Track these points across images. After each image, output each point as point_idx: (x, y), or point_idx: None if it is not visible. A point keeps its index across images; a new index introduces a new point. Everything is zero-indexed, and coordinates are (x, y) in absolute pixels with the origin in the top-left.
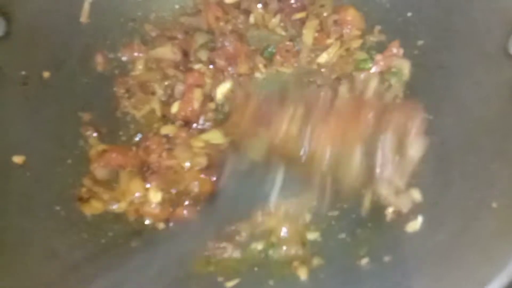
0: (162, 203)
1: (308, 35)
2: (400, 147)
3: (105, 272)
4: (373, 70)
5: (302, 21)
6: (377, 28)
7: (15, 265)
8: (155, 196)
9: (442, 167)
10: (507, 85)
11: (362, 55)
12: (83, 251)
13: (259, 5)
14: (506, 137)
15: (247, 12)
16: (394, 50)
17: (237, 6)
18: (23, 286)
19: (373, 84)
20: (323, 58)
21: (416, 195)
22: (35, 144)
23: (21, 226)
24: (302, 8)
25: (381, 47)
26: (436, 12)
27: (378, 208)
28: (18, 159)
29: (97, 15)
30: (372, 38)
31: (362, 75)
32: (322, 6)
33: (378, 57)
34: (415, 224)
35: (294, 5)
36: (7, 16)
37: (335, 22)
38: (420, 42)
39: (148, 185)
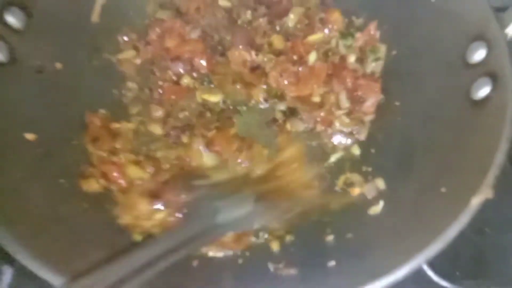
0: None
1: (293, 19)
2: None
3: (105, 235)
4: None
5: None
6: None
7: (24, 227)
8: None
9: (405, 159)
10: (463, 90)
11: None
12: (84, 218)
13: (249, 12)
14: (460, 133)
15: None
16: (372, 30)
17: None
18: (30, 244)
19: (352, 58)
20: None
21: (380, 183)
22: (46, 125)
23: (31, 194)
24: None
25: None
26: (408, 25)
27: (346, 194)
28: (30, 136)
29: (107, 17)
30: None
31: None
32: (308, 9)
33: (358, 35)
34: (377, 208)
35: (280, 8)
36: (28, 12)
37: (321, 19)
38: (394, 52)
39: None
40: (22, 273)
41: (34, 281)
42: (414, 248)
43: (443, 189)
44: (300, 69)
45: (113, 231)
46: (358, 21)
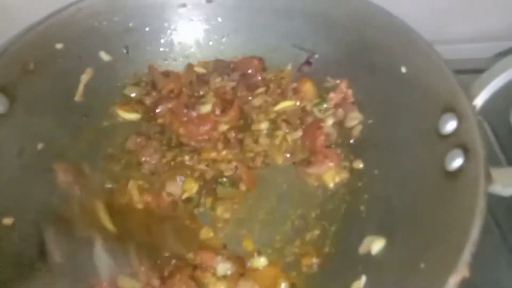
0: None
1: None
2: None
3: None
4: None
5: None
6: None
7: None
8: None
9: (386, 231)
10: (438, 160)
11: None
12: None
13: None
14: (436, 206)
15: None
16: (344, 89)
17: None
18: None
19: (329, 122)
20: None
21: None
22: (24, 208)
23: (7, 279)
24: (263, 84)
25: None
26: (382, 96)
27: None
28: (7, 220)
29: (90, 94)
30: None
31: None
32: (282, 78)
33: (331, 95)
34: (359, 284)
35: (254, 80)
36: (10, 95)
37: (293, 89)
38: (370, 121)
39: None
40: None
41: None
42: None
43: (422, 265)
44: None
45: None
46: (330, 83)
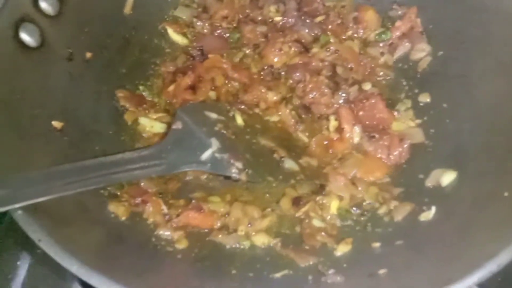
0: None
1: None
2: None
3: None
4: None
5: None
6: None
7: (50, 218)
8: None
9: (457, 164)
10: None
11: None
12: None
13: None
14: None
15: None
16: (412, 17)
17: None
18: (59, 234)
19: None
20: None
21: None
22: (73, 114)
23: None
24: (323, 11)
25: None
26: (455, 25)
27: None
28: (57, 124)
29: (139, 9)
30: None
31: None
32: (343, 6)
33: (398, 24)
34: (429, 214)
35: (313, 7)
36: None
37: (354, 19)
38: (440, 53)
39: None
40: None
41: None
42: (477, 258)
43: (506, 193)
44: None
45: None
46: (397, 12)
